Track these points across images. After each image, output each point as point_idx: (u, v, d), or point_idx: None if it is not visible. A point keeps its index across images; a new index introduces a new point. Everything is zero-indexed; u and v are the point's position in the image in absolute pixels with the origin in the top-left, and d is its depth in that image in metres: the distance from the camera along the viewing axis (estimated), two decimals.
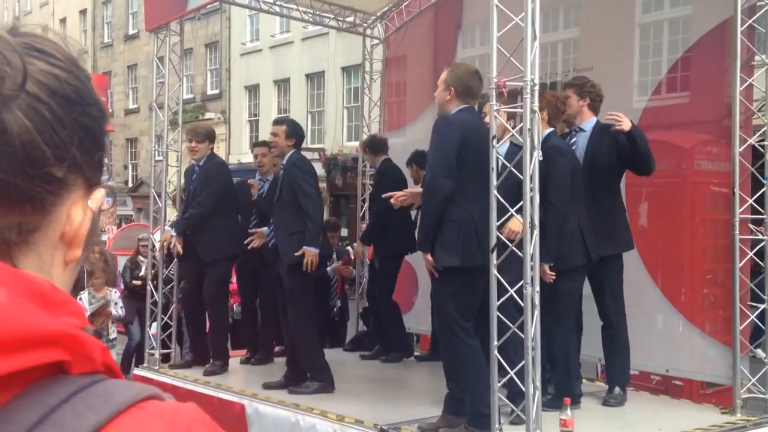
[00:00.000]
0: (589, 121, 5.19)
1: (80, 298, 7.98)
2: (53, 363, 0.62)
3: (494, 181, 4.01)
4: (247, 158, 21.84)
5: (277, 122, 6.04)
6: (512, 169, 4.01)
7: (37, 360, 0.60)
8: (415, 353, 7.25)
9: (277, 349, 6.84)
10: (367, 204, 8.12)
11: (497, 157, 4.06)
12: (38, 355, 0.60)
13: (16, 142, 0.63)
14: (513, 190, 4.09)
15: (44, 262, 0.68)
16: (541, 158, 4.05)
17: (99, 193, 0.71)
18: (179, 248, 6.32)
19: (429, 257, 4.30)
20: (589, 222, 4.96)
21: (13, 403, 0.60)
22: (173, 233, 6.39)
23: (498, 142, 4.08)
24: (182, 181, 6.99)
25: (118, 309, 8.13)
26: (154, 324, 7.04)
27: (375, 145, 7.03)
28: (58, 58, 0.68)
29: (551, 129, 4.96)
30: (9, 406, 0.60)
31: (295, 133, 5.78)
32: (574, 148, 5.14)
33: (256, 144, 7.72)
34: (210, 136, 6.58)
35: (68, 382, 0.62)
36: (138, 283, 8.95)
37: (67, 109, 0.66)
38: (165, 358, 6.94)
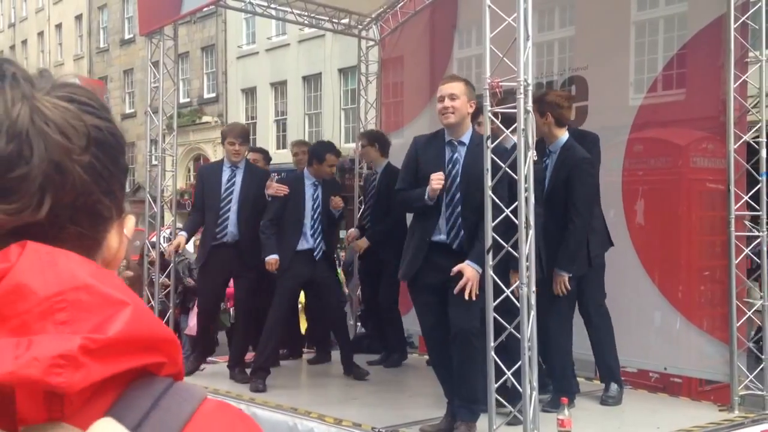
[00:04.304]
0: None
1: None
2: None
3: (488, 182, 4.01)
4: None
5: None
6: (507, 169, 4.01)
7: (148, 360, 0.68)
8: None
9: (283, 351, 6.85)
10: (365, 205, 8.02)
11: (491, 158, 4.05)
12: (147, 357, 0.68)
13: (87, 200, 0.70)
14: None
15: None
16: (535, 158, 4.04)
17: (131, 222, 0.79)
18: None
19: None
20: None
21: (120, 403, 0.67)
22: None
23: (492, 143, 4.07)
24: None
25: None
26: None
27: (384, 145, 6.77)
28: (95, 107, 0.72)
29: (566, 135, 4.92)
30: (117, 406, 0.66)
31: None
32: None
33: (294, 143, 7.93)
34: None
35: (158, 383, 0.69)
36: None
37: (111, 157, 0.72)
38: None
